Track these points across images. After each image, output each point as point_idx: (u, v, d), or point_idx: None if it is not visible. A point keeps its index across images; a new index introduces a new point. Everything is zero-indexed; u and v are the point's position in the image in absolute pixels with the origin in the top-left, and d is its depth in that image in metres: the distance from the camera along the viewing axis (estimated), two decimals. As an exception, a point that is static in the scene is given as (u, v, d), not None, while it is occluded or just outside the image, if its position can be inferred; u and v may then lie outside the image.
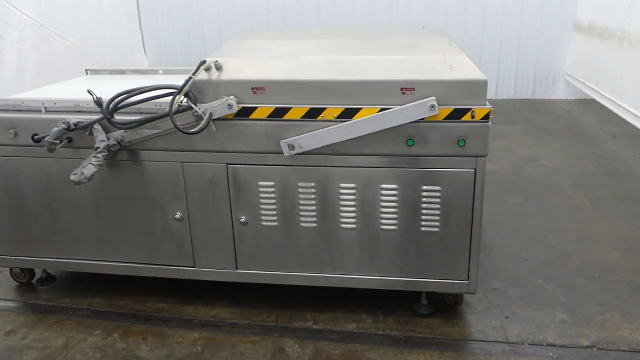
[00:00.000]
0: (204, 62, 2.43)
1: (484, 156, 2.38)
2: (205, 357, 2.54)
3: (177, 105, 2.45)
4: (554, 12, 7.22)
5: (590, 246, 3.41)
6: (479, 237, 2.53)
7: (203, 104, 2.45)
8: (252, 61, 2.48)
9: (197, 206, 2.69)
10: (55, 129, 2.53)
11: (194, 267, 2.82)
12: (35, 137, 2.66)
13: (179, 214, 2.71)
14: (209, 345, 2.62)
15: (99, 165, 2.48)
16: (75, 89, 3.23)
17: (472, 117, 2.31)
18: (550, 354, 2.49)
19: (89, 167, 2.45)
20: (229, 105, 2.42)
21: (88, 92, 2.47)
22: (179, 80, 2.81)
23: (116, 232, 2.82)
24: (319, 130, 2.41)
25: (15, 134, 2.69)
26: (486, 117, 2.31)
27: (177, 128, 2.37)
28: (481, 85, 2.29)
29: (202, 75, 2.46)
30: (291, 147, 2.45)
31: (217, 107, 2.42)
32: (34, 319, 2.85)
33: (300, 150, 2.45)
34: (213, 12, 7.92)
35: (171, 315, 2.86)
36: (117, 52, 7.46)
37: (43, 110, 2.69)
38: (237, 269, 2.78)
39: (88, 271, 2.94)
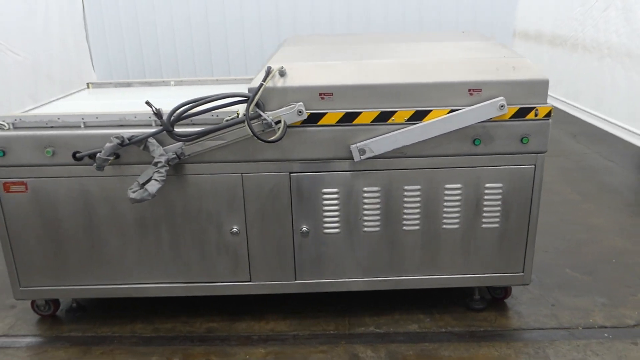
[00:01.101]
0: (270, 68, 2.38)
1: (544, 152, 2.52)
2: (281, 372, 2.46)
3: (242, 115, 2.39)
4: (490, 24, 7.66)
5: (598, 235, 3.68)
6: (535, 230, 2.66)
7: (270, 112, 2.40)
8: (318, 67, 2.46)
9: (256, 218, 2.61)
10: (109, 144, 2.36)
11: (249, 281, 2.73)
12: (77, 154, 2.46)
13: (235, 227, 2.62)
14: (280, 358, 2.54)
15: (163, 180, 2.34)
16: (89, 104, 3.05)
17: (536, 115, 2.45)
18: (605, 335, 2.66)
19: (152, 184, 2.31)
20: (299, 112, 2.38)
21: (147, 103, 2.34)
22: (196, 91, 2.77)
23: (165, 252, 2.66)
24: (392, 134, 2.44)
25: (53, 153, 2.47)
26: (548, 114, 2.45)
27: (257, 136, 2.30)
28: (543, 85, 2.43)
29: (259, 82, 2.40)
30: (362, 151, 2.45)
31: (288, 114, 2.38)
32: (77, 353, 2.62)
33: (371, 155, 2.46)
34: (166, 23, 7.67)
35: (226, 334, 2.74)
36: (66, 66, 7.02)
37: (82, 125, 2.50)
38: (295, 280, 2.73)
39: (133, 296, 2.75)
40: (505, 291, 2.90)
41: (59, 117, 2.50)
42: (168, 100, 3.03)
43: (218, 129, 2.39)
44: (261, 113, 2.36)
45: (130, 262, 2.68)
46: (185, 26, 7.65)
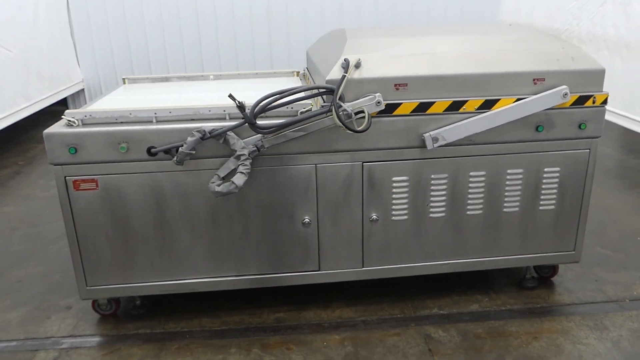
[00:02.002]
0: (348, 60, 2.44)
1: (598, 137, 2.69)
2: (364, 355, 2.53)
3: (319, 106, 2.44)
4: (477, 17, 7.93)
5: (615, 216, 3.92)
6: (587, 210, 2.83)
7: (347, 103, 2.45)
8: (391, 58, 2.53)
9: (328, 208, 2.66)
10: (191, 138, 2.36)
11: (318, 270, 2.78)
12: (152, 149, 2.45)
13: (307, 218, 2.66)
14: (357, 344, 2.61)
15: (248, 172, 2.36)
16: (140, 99, 3.01)
17: (593, 102, 2.60)
18: (651, 305, 2.88)
19: (238, 176, 2.33)
20: (378, 102, 2.45)
21: (229, 97, 2.35)
22: (237, 85, 2.79)
23: (236, 245, 2.68)
24: (463, 122, 2.54)
25: (127, 148, 2.45)
26: (604, 102, 2.62)
27: (347, 127, 2.35)
28: (600, 74, 2.59)
29: (337, 73, 2.46)
30: (435, 140, 2.54)
31: (368, 104, 2.44)
32: (152, 349, 2.60)
33: (443, 143, 2.56)
34: (155, 18, 7.51)
35: (296, 323, 2.79)
36: (54, 63, 6.79)
37: (154, 120, 2.48)
38: (363, 267, 2.80)
39: (202, 290, 2.74)
40: (554, 270, 3.07)
41: (130, 112, 2.47)
42: (210, 94, 3.06)
43: (300, 120, 2.42)
44: (342, 104, 2.41)
45: (200, 257, 2.68)
46: (174, 21, 7.52)
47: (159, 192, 2.55)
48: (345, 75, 2.38)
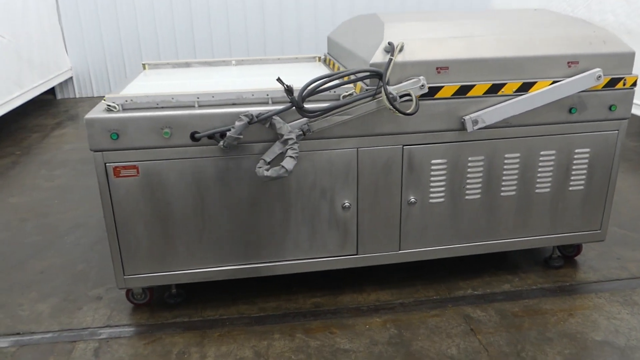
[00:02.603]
0: (393, 44, 2.44)
1: (627, 118, 2.77)
2: (408, 336, 2.56)
3: (363, 90, 2.44)
4: (468, 5, 8.04)
5: (625, 196, 4.04)
6: (614, 190, 2.92)
7: (391, 86, 2.45)
8: (432, 42, 2.54)
9: (367, 192, 2.68)
10: (239, 122, 2.34)
11: (356, 254, 2.79)
12: (196, 134, 2.41)
13: (347, 202, 2.67)
14: (399, 325, 2.64)
15: (297, 156, 2.35)
16: (167, 84, 2.95)
17: (624, 84, 2.67)
18: (673, 280, 2.99)
19: (288, 160, 2.31)
20: (422, 85, 2.46)
21: (278, 80, 2.33)
22: (259, 70, 2.81)
23: (276, 230, 2.67)
24: (502, 105, 2.58)
25: (171, 134, 2.40)
26: (634, 84, 2.69)
27: (398, 110, 2.36)
28: (630, 57, 2.66)
29: (380, 57, 2.46)
30: (475, 122, 2.58)
31: (413, 88, 2.45)
32: (194, 337, 2.58)
33: (483, 125, 2.59)
34: (146, 4, 7.33)
35: (334, 307, 2.80)
36: (44, 50, 6.59)
37: (196, 105, 2.44)
38: (400, 250, 2.83)
39: (241, 277, 2.72)
40: (578, 249, 3.15)
41: (172, 97, 2.43)
42: (239, 79, 3.02)
43: (347, 103, 2.42)
44: (386, 87, 2.41)
45: (240, 243, 2.66)
46: (165, 8, 7.37)
47: (200, 178, 2.51)
48: (391, 59, 2.39)
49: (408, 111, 2.40)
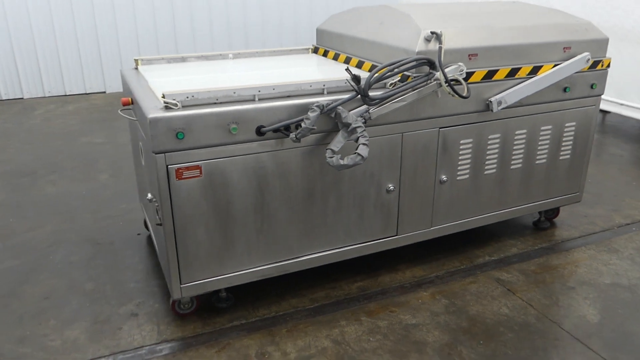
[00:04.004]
0: (437, 33, 2.60)
1: (601, 95, 3.25)
2: (460, 304, 2.77)
3: (413, 76, 2.58)
4: None
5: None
6: (589, 157, 3.41)
7: (436, 72, 2.62)
8: (462, 31, 2.74)
9: (408, 174, 2.82)
10: (312, 113, 2.33)
11: (396, 235, 2.93)
12: (263, 129, 2.35)
13: (391, 185, 2.79)
14: (446, 296, 2.84)
15: (368, 143, 2.40)
16: (182, 79, 2.81)
17: (602, 65, 3.14)
18: (634, 228, 3.58)
19: (362, 148, 2.36)
20: (461, 71, 2.66)
21: (346, 70, 2.37)
22: (255, 64, 3.09)
23: (329, 219, 2.69)
24: (519, 86, 2.88)
25: (238, 129, 2.31)
26: (608, 65, 3.17)
27: (457, 94, 2.52)
28: (605, 42, 3.13)
29: (423, 45, 2.62)
30: (499, 103, 2.85)
31: (454, 73, 2.63)
32: (263, 337, 2.51)
33: (505, 105, 2.87)
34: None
35: (380, 288, 2.91)
36: None
37: (256, 98, 2.38)
38: (431, 227, 3.02)
39: (295, 270, 2.69)
40: (557, 211, 3.63)
41: (234, 91, 2.33)
42: (249, 73, 2.99)
43: (406, 89, 2.53)
44: (433, 72, 2.57)
45: (294, 236, 2.64)
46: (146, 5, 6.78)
47: (262, 173, 2.45)
48: (441, 47, 2.55)
49: (464, 94, 2.59)
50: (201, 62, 3.23)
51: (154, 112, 2.19)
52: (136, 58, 3.11)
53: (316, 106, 2.34)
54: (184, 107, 2.25)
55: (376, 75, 2.41)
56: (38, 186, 4.23)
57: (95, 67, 7.14)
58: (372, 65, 2.89)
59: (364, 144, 2.38)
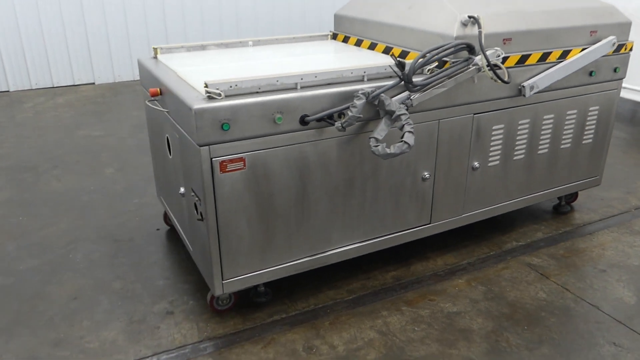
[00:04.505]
0: (475, 17, 2.56)
1: (624, 78, 3.27)
2: (496, 290, 2.77)
3: (451, 61, 2.54)
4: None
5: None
6: (610, 141, 3.43)
7: (476, 57, 2.58)
8: (496, 15, 2.71)
9: (443, 161, 2.79)
10: (359, 101, 2.27)
11: (429, 223, 2.90)
12: (307, 118, 2.29)
13: (427, 173, 2.76)
14: (482, 282, 2.83)
15: (414, 130, 2.36)
16: (206, 69, 2.72)
17: (625, 49, 3.16)
18: (648, 210, 3.65)
19: (408, 136, 2.31)
20: (498, 55, 2.63)
21: (391, 56, 2.32)
22: (275, 51, 3.03)
23: (366, 210, 2.65)
24: (550, 71, 2.87)
25: (283, 119, 2.24)
26: (631, 49, 3.19)
27: (500, 79, 2.49)
28: (628, 26, 3.14)
29: (461, 30, 2.58)
30: (531, 88, 2.83)
31: (493, 58, 2.60)
32: (306, 330, 2.47)
33: (537, 90, 2.86)
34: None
35: (415, 277, 2.89)
36: None
37: (298, 87, 2.31)
38: (462, 214, 3.00)
39: (334, 262, 2.65)
40: (576, 195, 3.66)
41: (277, 79, 2.25)
42: (255, 62, 2.90)
43: (447, 75, 2.49)
44: (473, 58, 2.54)
45: (334, 227, 2.59)
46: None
47: (303, 164, 2.39)
48: (481, 31, 2.51)
49: (505, 79, 2.56)
50: (221, 50, 3.13)
51: (198, 102, 2.10)
52: (155, 47, 2.99)
53: (362, 94, 2.29)
54: (227, 96, 2.17)
55: (420, 60, 2.36)
56: (43, 181, 4.07)
57: (83, 58, 6.91)
58: (403, 51, 2.84)
59: (409, 131, 2.33)
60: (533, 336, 2.44)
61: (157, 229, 3.38)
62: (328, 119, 2.31)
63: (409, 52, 2.81)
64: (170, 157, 2.70)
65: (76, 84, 7.00)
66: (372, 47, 3.12)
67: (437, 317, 2.57)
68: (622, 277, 2.88)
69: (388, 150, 2.30)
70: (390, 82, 2.38)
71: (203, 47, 3.13)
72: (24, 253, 3.10)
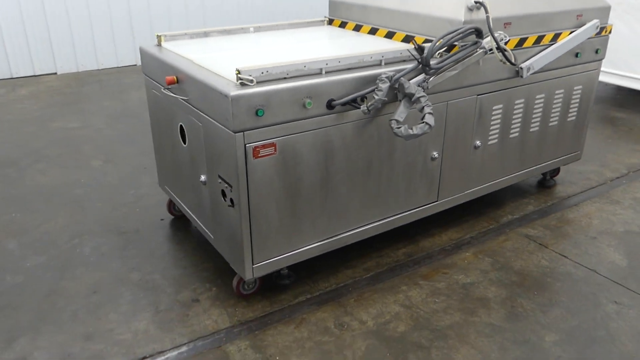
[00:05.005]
0: (480, 2, 2.67)
1: (603, 59, 3.50)
2: (502, 261, 2.94)
3: (459, 45, 2.66)
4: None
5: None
6: (589, 118, 3.68)
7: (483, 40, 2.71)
8: (495, 0, 2.84)
9: (450, 141, 2.92)
10: (384, 84, 2.35)
11: (436, 201, 3.04)
12: (333, 102, 2.35)
13: (435, 153, 2.88)
14: (488, 254, 3.00)
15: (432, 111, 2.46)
16: (220, 54, 2.73)
17: (605, 32, 3.38)
18: (624, 181, 3.92)
19: (429, 117, 2.41)
20: (501, 39, 2.77)
21: (412, 42, 2.40)
22: (275, 37, 3.06)
23: (383, 189, 2.75)
24: (544, 52, 3.04)
25: (312, 104, 2.29)
26: (610, 31, 3.41)
27: (509, 61, 2.62)
28: (608, 9, 3.36)
29: (468, 15, 2.69)
30: (528, 69, 3.00)
31: (500, 41, 2.74)
32: (333, 308, 2.56)
33: (533, 71, 3.03)
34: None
35: (425, 253, 3.02)
36: None
37: (323, 72, 2.36)
38: (465, 191, 3.16)
39: (353, 242, 2.73)
40: (559, 170, 3.90)
41: (304, 65, 2.30)
42: (264, 48, 2.94)
43: (461, 58, 2.60)
44: (481, 41, 2.67)
45: (353, 209, 2.67)
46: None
47: (328, 147, 2.45)
48: (489, 16, 2.63)
49: (513, 61, 2.70)
50: (224, 37, 3.12)
51: (233, 89, 2.12)
52: (159, 34, 2.95)
53: (386, 77, 2.37)
54: (259, 83, 2.20)
55: (437, 44, 2.46)
56: (28, 177, 3.92)
57: (44, 47, 6.61)
58: (407, 35, 2.93)
59: (429, 112, 2.43)
60: (544, 300, 2.63)
61: (162, 219, 3.35)
62: (353, 103, 2.38)
63: (413, 37, 2.91)
64: (185, 145, 2.69)
65: (37, 74, 6.70)
66: (372, 32, 3.19)
67: (453, 289, 2.71)
68: (611, 243, 3.12)
69: (411, 132, 2.40)
70: (409, 66, 2.47)
71: (206, 34, 3.10)
72: (27, 250, 3.01)
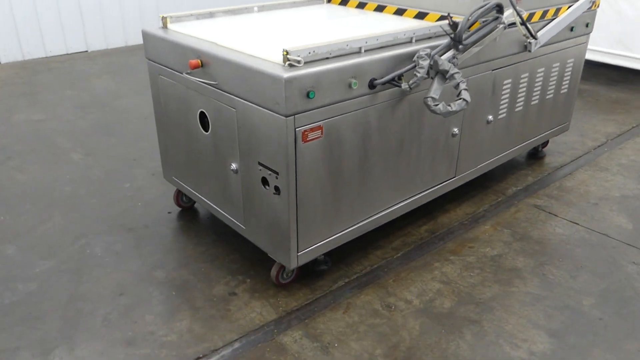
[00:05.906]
0: (498, -22, 2.69)
1: (590, 33, 3.65)
2: (520, 231, 3.03)
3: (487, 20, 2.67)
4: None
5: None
6: (578, 90, 3.83)
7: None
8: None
9: (468, 117, 2.95)
10: (424, 62, 2.32)
11: (454, 177, 3.07)
12: (375, 81, 2.29)
13: (456, 129, 2.90)
14: (505, 226, 3.08)
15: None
16: (231, 34, 2.60)
17: (594, 5, 3.51)
18: (605, 149, 4.14)
19: (465, 93, 2.41)
20: (519, 14, 2.81)
21: (447, 16, 2.38)
22: (279, 16, 3.01)
23: (411, 168, 2.74)
24: (549, 26, 3.12)
25: (358, 84, 2.22)
26: (599, 5, 3.55)
27: (531, 34, 2.65)
28: (598, -15, 3.50)
29: (484, -9, 2.71)
30: (536, 43, 3.06)
31: (512, 17, 2.77)
32: (374, 291, 2.54)
33: (539, 45, 3.10)
34: None
35: (445, 229, 3.06)
36: None
37: (362, 50, 2.30)
38: (478, 165, 3.21)
39: (386, 221, 2.72)
40: (547, 142, 4.05)
41: (347, 44, 2.22)
42: (278, 27, 2.88)
43: (486, 33, 2.60)
44: (501, 16, 2.69)
45: (384, 188, 2.65)
46: None
47: (366, 128, 2.40)
48: (511, -9, 2.66)
49: (534, 34, 2.74)
50: (229, 17, 2.97)
51: (284, 71, 2.02)
52: (164, 15, 2.75)
53: (425, 54, 2.34)
54: (306, 63, 2.11)
55: (469, 20, 2.46)
56: (3, 176, 3.59)
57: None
58: (420, 12, 2.91)
59: (465, 89, 2.44)
60: (570, 266, 2.74)
61: (169, 212, 3.18)
62: (395, 81, 2.34)
63: (427, 14, 2.90)
64: (208, 133, 2.55)
65: (-24, 64, 6.12)
66: (379, 9, 3.15)
67: (484, 262, 2.77)
68: (612, 207, 3.30)
69: (449, 108, 2.39)
70: (442, 42, 2.45)
71: (211, 15, 2.93)
72: (30, 255, 2.76)
